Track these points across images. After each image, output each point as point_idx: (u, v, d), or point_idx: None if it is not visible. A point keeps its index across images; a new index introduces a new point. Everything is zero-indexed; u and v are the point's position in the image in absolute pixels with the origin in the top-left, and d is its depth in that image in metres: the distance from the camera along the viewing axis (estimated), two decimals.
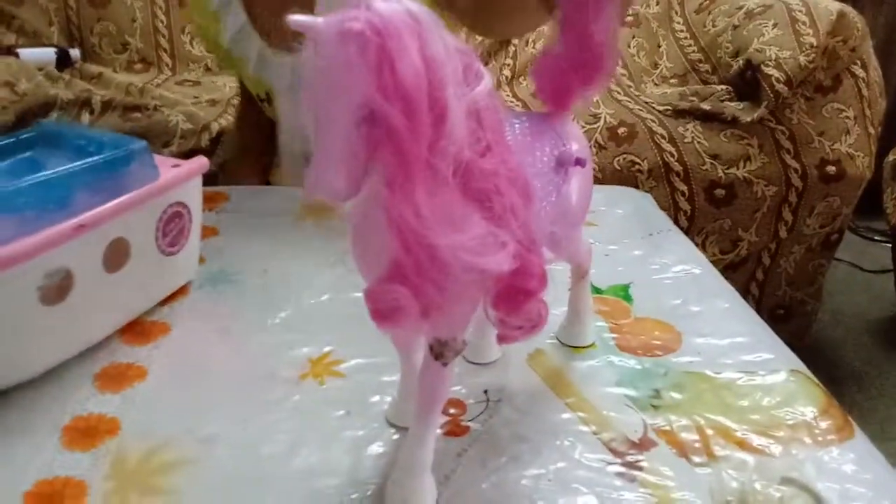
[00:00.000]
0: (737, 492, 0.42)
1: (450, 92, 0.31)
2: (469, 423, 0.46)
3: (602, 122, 1.27)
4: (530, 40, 1.61)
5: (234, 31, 0.78)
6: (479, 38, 1.48)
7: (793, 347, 0.56)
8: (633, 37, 1.60)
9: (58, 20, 1.58)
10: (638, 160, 1.22)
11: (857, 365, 1.56)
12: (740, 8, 1.42)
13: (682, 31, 1.56)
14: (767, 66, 1.24)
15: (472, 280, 0.33)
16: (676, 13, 1.59)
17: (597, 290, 0.61)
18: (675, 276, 0.65)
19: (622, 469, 0.43)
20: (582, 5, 0.43)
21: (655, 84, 1.52)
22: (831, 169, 1.26)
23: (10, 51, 1.39)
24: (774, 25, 1.30)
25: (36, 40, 1.54)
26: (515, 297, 0.36)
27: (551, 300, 0.38)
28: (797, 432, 0.46)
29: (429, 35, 0.31)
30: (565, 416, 0.47)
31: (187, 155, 1.20)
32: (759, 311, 0.67)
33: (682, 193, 1.23)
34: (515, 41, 1.58)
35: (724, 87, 1.35)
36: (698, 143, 1.25)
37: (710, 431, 0.46)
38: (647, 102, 1.36)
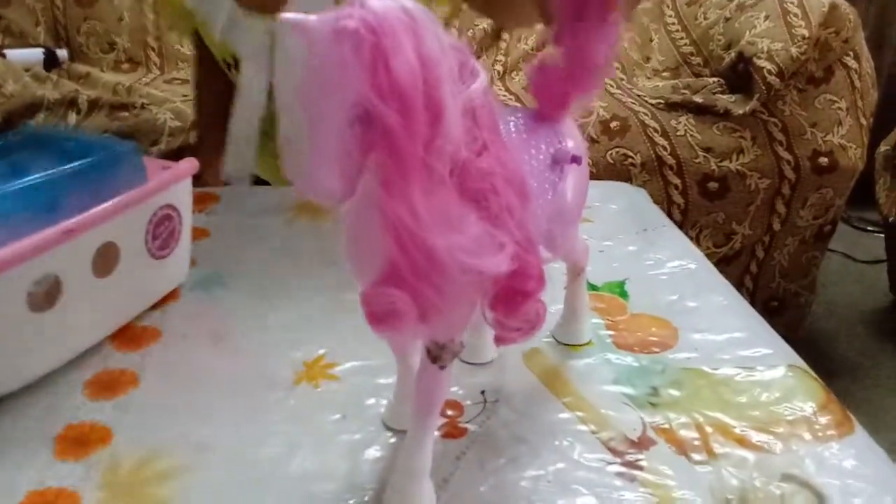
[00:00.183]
0: (737, 490, 0.42)
1: (446, 90, 0.31)
2: (466, 425, 0.46)
3: (594, 115, 1.27)
4: (522, 36, 1.60)
5: None
6: (471, 33, 1.48)
7: (787, 340, 0.56)
8: (625, 30, 1.60)
9: (44, 20, 1.57)
10: (631, 154, 1.22)
11: (852, 355, 1.57)
12: (732, 0, 1.41)
13: (673, 24, 1.55)
14: (759, 58, 1.24)
15: (469, 282, 0.33)
16: (668, 6, 1.59)
17: (592, 287, 0.61)
18: (671, 271, 0.64)
19: (622, 469, 0.43)
20: (580, 30, 0.42)
21: (647, 77, 1.52)
22: (824, 160, 1.26)
23: None
24: (766, 17, 1.30)
25: (22, 40, 1.53)
26: (514, 299, 0.36)
27: (547, 298, 0.38)
28: (797, 428, 0.46)
29: (424, 32, 0.30)
30: (563, 415, 0.47)
31: (176, 152, 1.19)
32: (753, 303, 0.67)
33: (676, 187, 1.23)
34: (506, 36, 1.58)
35: (716, 79, 1.35)
36: (691, 136, 1.25)
37: (709, 429, 0.46)
38: (639, 96, 1.36)
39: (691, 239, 0.77)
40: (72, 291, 0.48)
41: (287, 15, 0.30)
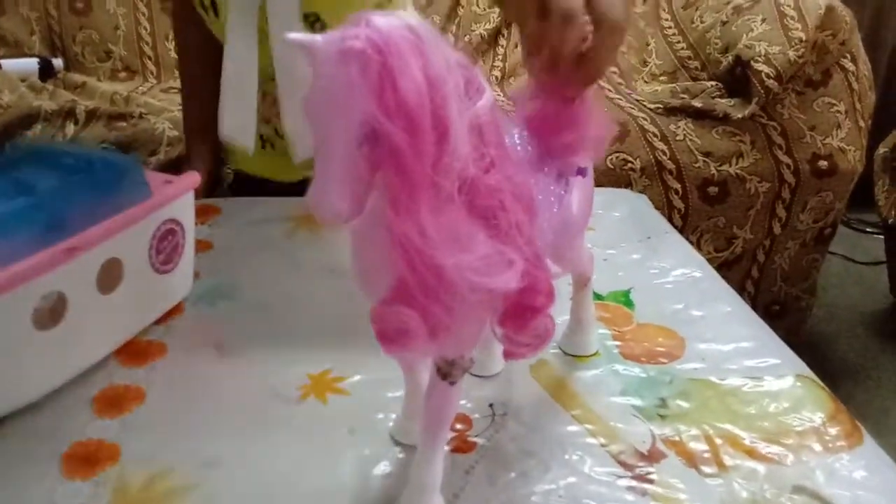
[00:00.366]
0: (748, 502, 0.41)
1: (452, 108, 0.31)
2: (475, 439, 0.46)
3: None
4: (519, 41, 1.60)
5: None
6: (468, 39, 1.48)
7: (788, 343, 0.56)
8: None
9: (39, 29, 1.56)
10: (630, 159, 1.22)
11: (852, 358, 1.57)
12: (728, 3, 1.42)
13: (670, 27, 1.55)
14: (757, 61, 1.24)
15: (479, 300, 0.33)
16: (664, 10, 1.59)
17: (598, 297, 0.61)
18: (676, 280, 0.64)
19: (633, 482, 0.42)
20: (561, 97, 0.43)
21: (645, 82, 1.52)
22: (823, 164, 1.26)
23: None
24: (763, 20, 1.30)
25: (17, 50, 1.52)
26: (523, 315, 0.36)
27: (553, 309, 0.37)
28: (806, 439, 0.46)
29: (430, 51, 0.30)
30: (572, 428, 0.47)
31: (174, 162, 1.19)
32: (754, 308, 0.66)
33: (676, 192, 1.23)
34: (504, 41, 1.58)
35: (713, 83, 1.35)
36: (690, 140, 1.25)
37: (718, 440, 0.46)
38: (638, 100, 1.36)
39: (692, 244, 0.77)
40: (76, 308, 0.47)
41: (293, 35, 0.30)
